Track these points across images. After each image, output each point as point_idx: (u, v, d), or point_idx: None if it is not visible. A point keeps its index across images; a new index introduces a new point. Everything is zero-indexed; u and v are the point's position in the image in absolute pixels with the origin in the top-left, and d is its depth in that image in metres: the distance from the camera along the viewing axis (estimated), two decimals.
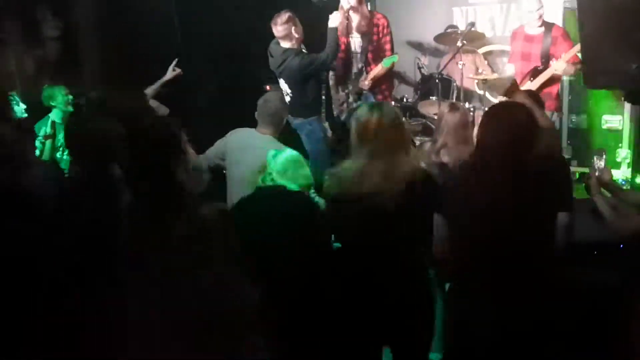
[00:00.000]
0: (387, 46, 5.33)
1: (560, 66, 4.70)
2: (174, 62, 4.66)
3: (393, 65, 5.40)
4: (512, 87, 3.08)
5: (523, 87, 4.99)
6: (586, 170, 5.15)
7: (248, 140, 3.72)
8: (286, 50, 4.90)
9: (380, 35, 5.33)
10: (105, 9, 5.80)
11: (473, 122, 5.70)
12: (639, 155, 5.30)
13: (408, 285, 2.60)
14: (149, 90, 4.37)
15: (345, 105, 5.52)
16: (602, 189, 3.04)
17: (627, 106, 5.36)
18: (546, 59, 4.92)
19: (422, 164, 3.13)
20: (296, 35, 4.88)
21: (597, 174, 3.08)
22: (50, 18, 5.77)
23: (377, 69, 5.31)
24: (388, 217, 2.49)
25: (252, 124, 3.92)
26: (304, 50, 5.04)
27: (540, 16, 4.94)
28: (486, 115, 2.66)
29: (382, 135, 2.56)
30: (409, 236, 2.59)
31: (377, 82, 5.46)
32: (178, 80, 4.66)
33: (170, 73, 4.63)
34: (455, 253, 2.56)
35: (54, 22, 5.78)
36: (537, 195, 2.39)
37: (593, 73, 3.56)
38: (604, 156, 3.95)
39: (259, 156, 3.03)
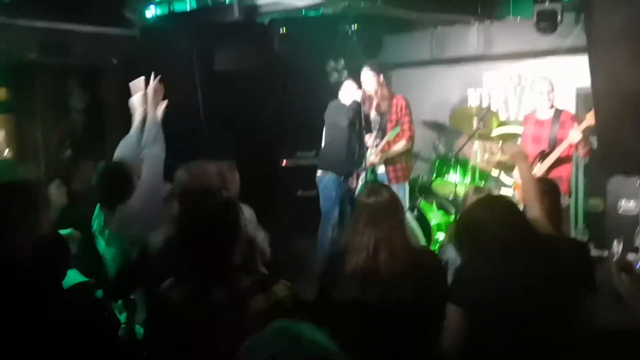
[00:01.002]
0: (406, 125, 5.41)
1: (575, 136, 4.76)
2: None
3: (408, 147, 5.46)
4: (519, 154, 3.14)
5: (534, 170, 5.07)
6: (603, 254, 5.10)
7: None
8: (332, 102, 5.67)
9: (399, 116, 5.42)
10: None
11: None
12: None
13: None
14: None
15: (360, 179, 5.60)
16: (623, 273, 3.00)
17: None
18: (554, 143, 4.98)
19: None
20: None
21: (615, 257, 3.05)
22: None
23: (384, 142, 5.40)
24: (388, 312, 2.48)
25: None
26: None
27: (551, 99, 5.03)
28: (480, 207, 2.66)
29: (375, 217, 2.60)
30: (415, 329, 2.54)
31: (391, 160, 5.50)
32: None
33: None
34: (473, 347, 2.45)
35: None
36: (561, 282, 2.36)
37: (609, 158, 3.58)
38: (622, 240, 3.93)
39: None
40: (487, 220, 2.45)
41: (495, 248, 2.39)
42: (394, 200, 2.70)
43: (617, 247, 3.18)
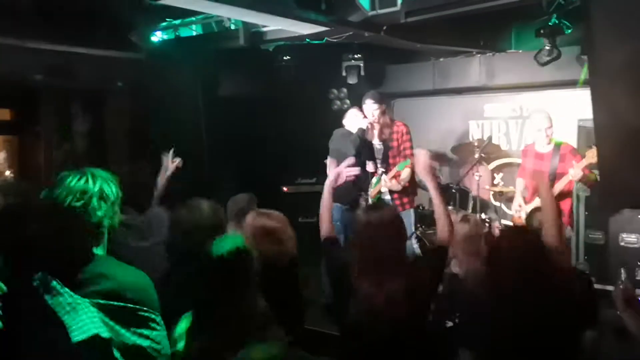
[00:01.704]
0: (407, 152, 5.43)
1: (576, 173, 4.76)
2: (171, 152, 4.15)
3: (411, 173, 5.47)
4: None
5: (533, 203, 5.08)
6: (605, 287, 5.06)
7: None
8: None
9: (400, 142, 5.46)
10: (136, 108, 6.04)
11: (490, 232, 5.73)
12: None
13: None
14: (155, 197, 3.95)
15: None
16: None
17: None
18: (554, 177, 4.98)
19: None
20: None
21: (622, 287, 2.97)
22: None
23: (393, 172, 5.42)
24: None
25: None
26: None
27: (549, 135, 5.04)
28: (501, 240, 2.66)
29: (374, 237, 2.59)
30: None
31: (397, 190, 5.51)
32: (179, 169, 4.15)
33: (170, 166, 4.10)
34: None
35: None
36: (565, 316, 2.35)
37: (611, 192, 3.59)
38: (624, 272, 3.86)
39: None
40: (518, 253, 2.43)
41: (521, 282, 2.38)
42: (395, 217, 2.71)
43: (623, 276, 3.10)
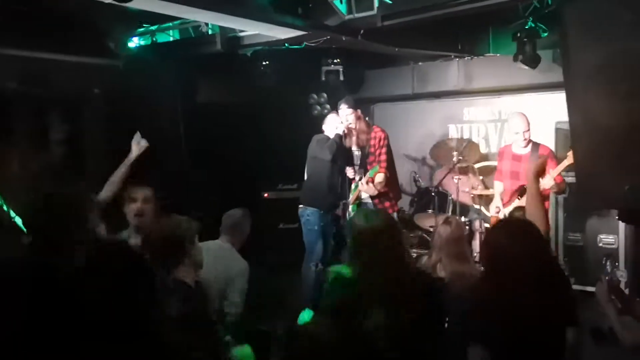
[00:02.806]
0: (382, 157, 5.43)
1: (548, 182, 4.78)
2: (137, 135, 3.93)
3: (385, 180, 5.45)
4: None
5: (512, 205, 5.10)
6: (585, 288, 5.11)
7: (209, 248, 3.75)
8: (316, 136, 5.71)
9: (376, 148, 5.46)
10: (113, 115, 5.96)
11: (470, 235, 5.75)
12: (634, 275, 5.27)
13: None
14: (115, 177, 3.74)
15: (345, 213, 5.60)
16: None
17: (622, 225, 5.41)
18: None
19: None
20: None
21: (607, 278, 2.86)
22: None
23: (366, 178, 5.41)
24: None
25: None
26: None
27: (526, 138, 5.07)
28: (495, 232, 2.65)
29: (376, 242, 2.58)
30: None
31: (378, 195, 5.50)
32: (147, 153, 3.91)
33: (135, 149, 3.88)
34: None
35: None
36: (552, 311, 2.34)
37: (587, 193, 3.61)
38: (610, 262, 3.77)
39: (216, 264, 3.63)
40: (516, 245, 2.41)
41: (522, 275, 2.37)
42: (390, 222, 2.71)
43: (608, 266, 3.04)
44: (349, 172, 5.60)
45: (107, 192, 3.66)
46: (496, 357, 2.35)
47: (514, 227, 2.64)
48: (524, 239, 2.45)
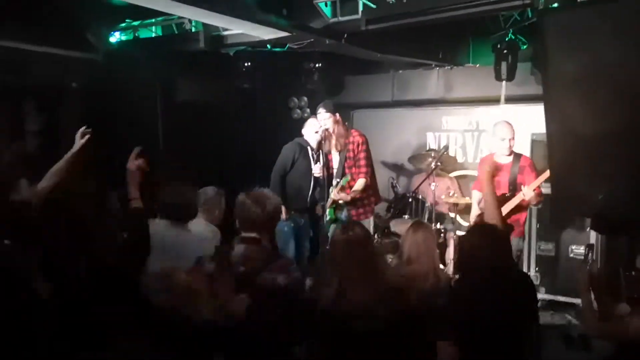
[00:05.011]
0: (362, 162, 5.44)
1: (528, 193, 4.83)
2: (82, 129, 3.73)
3: (364, 185, 5.46)
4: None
5: None
6: (556, 298, 5.18)
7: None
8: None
9: (356, 152, 5.46)
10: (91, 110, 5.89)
11: (445, 243, 5.79)
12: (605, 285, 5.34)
13: None
14: (55, 168, 3.62)
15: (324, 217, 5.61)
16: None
17: (593, 234, 5.47)
18: (514, 187, 5.05)
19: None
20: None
21: (588, 265, 2.78)
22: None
23: (337, 187, 5.43)
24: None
25: None
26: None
27: (511, 146, 5.12)
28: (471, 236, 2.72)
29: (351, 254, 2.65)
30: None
31: (352, 200, 5.49)
32: (88, 145, 3.71)
33: (78, 142, 3.70)
34: None
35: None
36: (518, 311, 2.40)
37: (562, 200, 3.68)
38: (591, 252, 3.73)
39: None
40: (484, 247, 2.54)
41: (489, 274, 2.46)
42: (366, 236, 2.81)
43: (590, 254, 3.03)
44: (316, 169, 5.60)
45: (47, 181, 3.61)
46: (464, 352, 2.41)
47: (485, 231, 2.77)
48: (492, 242, 2.59)
